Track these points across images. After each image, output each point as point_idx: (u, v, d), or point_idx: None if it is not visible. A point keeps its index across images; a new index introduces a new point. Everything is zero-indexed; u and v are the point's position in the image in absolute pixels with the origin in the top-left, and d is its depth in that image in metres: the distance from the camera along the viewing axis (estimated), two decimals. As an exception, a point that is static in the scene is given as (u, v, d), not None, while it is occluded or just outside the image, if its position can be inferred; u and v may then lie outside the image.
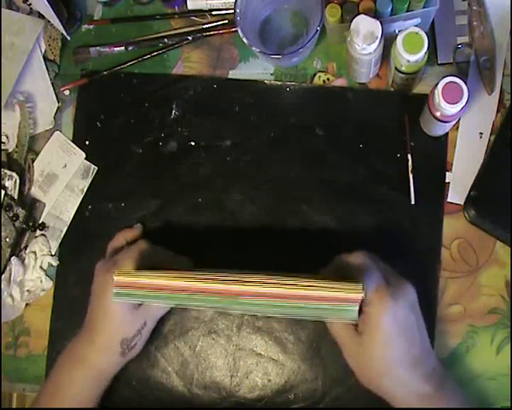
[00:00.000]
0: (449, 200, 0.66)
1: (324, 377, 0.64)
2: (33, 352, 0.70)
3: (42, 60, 0.74)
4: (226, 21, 0.72)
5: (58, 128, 0.73)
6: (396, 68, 0.62)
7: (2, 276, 0.69)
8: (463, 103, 0.56)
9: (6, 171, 0.70)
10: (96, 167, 0.71)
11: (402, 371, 0.53)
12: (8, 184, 0.70)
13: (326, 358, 0.65)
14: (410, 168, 0.66)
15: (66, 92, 0.74)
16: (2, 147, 0.72)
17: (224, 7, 0.72)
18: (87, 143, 0.72)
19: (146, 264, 0.59)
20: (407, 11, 0.63)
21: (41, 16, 0.73)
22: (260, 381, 0.65)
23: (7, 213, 0.69)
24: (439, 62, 0.68)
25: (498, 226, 0.63)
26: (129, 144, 0.71)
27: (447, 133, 0.66)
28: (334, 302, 0.49)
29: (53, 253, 0.71)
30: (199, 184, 0.69)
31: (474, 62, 0.66)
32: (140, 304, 0.59)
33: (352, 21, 0.59)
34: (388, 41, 0.62)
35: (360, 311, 0.52)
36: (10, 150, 0.72)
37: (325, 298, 0.49)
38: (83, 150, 0.72)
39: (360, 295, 0.49)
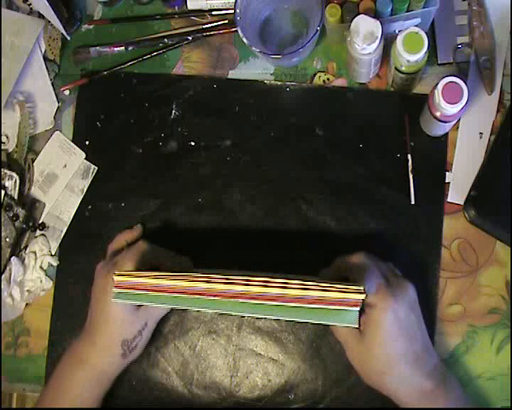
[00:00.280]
0: (449, 200, 0.66)
1: (324, 378, 0.64)
2: (33, 352, 0.70)
3: (42, 60, 0.74)
4: (226, 21, 0.72)
5: (58, 128, 0.73)
6: (396, 68, 0.62)
7: (2, 276, 0.69)
8: (463, 103, 0.56)
9: (6, 171, 0.70)
10: (96, 167, 0.71)
11: (404, 369, 0.53)
12: (8, 184, 0.70)
13: (326, 358, 0.65)
14: (410, 168, 0.66)
15: (66, 92, 0.74)
16: (2, 147, 0.72)
17: (224, 7, 0.72)
18: (87, 143, 0.72)
19: (146, 265, 0.59)
20: (407, 11, 0.63)
21: (41, 16, 0.73)
22: (260, 381, 0.65)
23: (7, 213, 0.69)
24: (439, 62, 0.68)
25: (498, 226, 0.63)
26: (129, 144, 0.71)
27: (447, 133, 0.66)
28: (334, 305, 0.49)
29: (53, 253, 0.71)
30: (199, 184, 0.69)
31: (474, 62, 0.66)
32: (140, 306, 0.59)
33: (351, 21, 0.59)
34: (388, 41, 0.63)
35: (362, 312, 0.52)
36: (10, 150, 0.72)
37: (325, 301, 0.49)
38: (83, 150, 0.72)
39: (361, 297, 0.49)
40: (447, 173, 0.66)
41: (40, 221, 0.71)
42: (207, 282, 0.51)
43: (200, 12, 0.73)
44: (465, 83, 0.56)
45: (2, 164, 0.70)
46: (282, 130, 0.69)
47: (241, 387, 0.65)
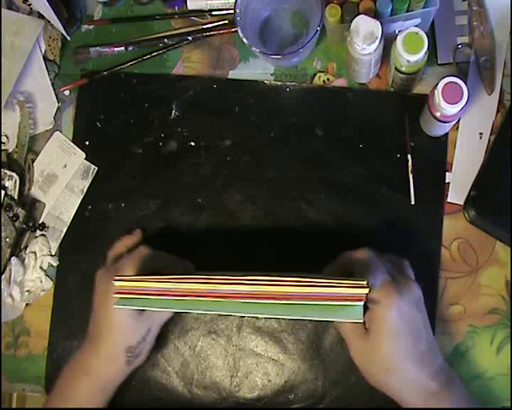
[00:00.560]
0: (449, 200, 0.66)
1: (324, 378, 0.64)
2: (33, 352, 0.70)
3: (42, 60, 0.74)
4: (226, 21, 0.72)
5: (58, 128, 0.73)
6: (396, 68, 0.62)
7: (2, 276, 0.69)
8: (463, 103, 0.56)
9: (6, 171, 0.70)
10: (96, 167, 0.71)
11: (409, 368, 0.53)
12: (8, 184, 0.70)
13: (326, 358, 0.65)
14: (409, 168, 0.66)
15: (66, 92, 0.74)
16: (2, 147, 0.72)
17: (224, 7, 0.72)
18: (87, 143, 0.72)
19: (147, 270, 0.59)
20: (407, 11, 0.63)
21: (41, 16, 0.73)
22: (260, 381, 0.65)
23: (7, 213, 0.69)
24: (439, 62, 0.68)
25: (498, 226, 0.63)
26: (129, 144, 0.71)
27: (447, 133, 0.66)
28: (338, 301, 0.49)
29: (53, 253, 0.71)
30: (199, 184, 0.69)
31: (474, 62, 0.66)
32: (143, 311, 0.59)
33: (352, 21, 0.59)
34: (388, 41, 0.63)
35: (366, 309, 0.52)
36: (10, 150, 0.72)
37: (329, 296, 0.49)
38: (83, 150, 0.72)
39: (365, 292, 0.48)
40: (447, 173, 0.66)
41: (40, 221, 0.71)
42: (210, 283, 0.50)
43: (200, 12, 0.73)
44: (465, 83, 0.56)
45: (2, 164, 0.70)
46: (282, 130, 0.69)
47: (241, 387, 0.65)
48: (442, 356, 0.56)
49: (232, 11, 0.64)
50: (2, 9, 0.73)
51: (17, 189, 0.70)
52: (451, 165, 0.66)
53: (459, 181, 0.66)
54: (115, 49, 0.73)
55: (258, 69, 0.71)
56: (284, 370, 0.65)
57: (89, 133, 0.72)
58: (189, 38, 0.72)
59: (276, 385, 0.65)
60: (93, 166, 0.72)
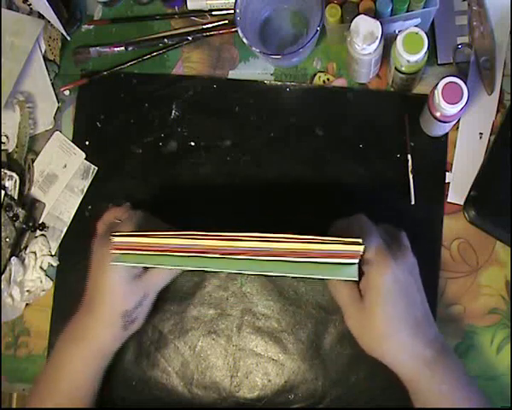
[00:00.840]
0: (449, 200, 0.66)
1: (324, 378, 0.64)
2: (33, 352, 0.70)
3: (42, 60, 0.74)
4: (226, 21, 0.72)
5: (58, 128, 0.73)
6: (396, 68, 0.62)
7: (2, 276, 0.69)
8: (463, 103, 0.56)
9: (6, 171, 0.70)
10: (96, 167, 0.71)
11: (405, 334, 0.53)
12: (8, 184, 0.70)
13: (326, 358, 0.65)
14: (409, 168, 0.66)
15: (66, 92, 0.74)
16: (2, 147, 0.72)
17: (224, 7, 0.72)
18: (87, 143, 0.72)
19: None
20: (407, 11, 0.63)
21: (41, 16, 0.73)
22: (260, 381, 0.65)
23: (7, 213, 0.69)
24: (439, 62, 0.68)
25: (498, 226, 0.63)
26: (129, 144, 0.71)
27: (447, 133, 0.66)
28: (333, 258, 0.49)
29: (53, 253, 0.71)
30: (199, 184, 0.69)
31: (474, 62, 0.67)
32: (140, 275, 0.59)
33: (351, 21, 0.59)
34: (388, 41, 0.63)
35: (362, 274, 0.52)
36: (10, 150, 0.72)
37: (325, 253, 0.49)
38: (83, 150, 0.72)
39: (360, 249, 0.48)
40: (447, 173, 0.66)
41: (40, 221, 0.71)
42: (208, 239, 0.51)
43: (200, 12, 0.73)
44: (465, 83, 0.56)
45: (2, 164, 0.71)
46: (282, 130, 0.69)
47: (241, 387, 0.66)
48: (436, 326, 0.56)
49: (232, 11, 0.64)
50: (2, 9, 0.73)
51: (17, 189, 0.70)
52: (451, 165, 0.66)
53: (459, 181, 0.66)
54: (115, 49, 0.73)
55: (258, 69, 0.71)
56: (284, 370, 0.65)
57: (89, 133, 0.72)
58: (189, 38, 0.72)
59: (276, 385, 0.65)
60: (93, 166, 0.72)
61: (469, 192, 0.65)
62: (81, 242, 0.70)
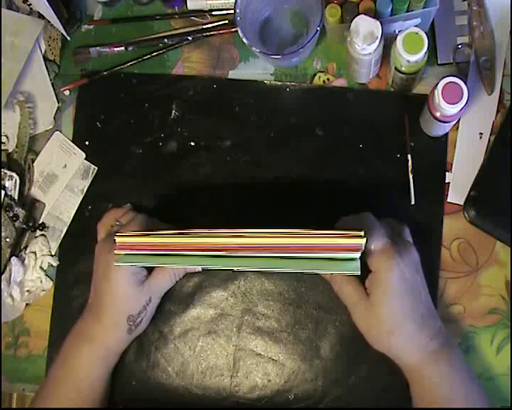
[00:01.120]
0: (449, 200, 0.66)
1: (324, 378, 0.64)
2: (33, 352, 0.70)
3: (42, 60, 0.74)
4: (226, 21, 0.72)
5: (58, 128, 0.73)
6: (396, 68, 0.62)
7: (2, 276, 0.69)
8: (463, 103, 0.56)
9: (6, 171, 0.70)
10: (96, 167, 0.71)
11: (410, 328, 0.54)
12: (8, 184, 0.70)
13: (326, 358, 0.65)
14: (409, 168, 0.66)
15: (66, 92, 0.74)
16: (2, 147, 0.72)
17: (224, 7, 0.72)
18: (87, 143, 0.72)
19: None
20: (407, 11, 0.63)
21: (41, 16, 0.73)
22: (260, 381, 0.65)
23: (7, 213, 0.69)
24: (439, 62, 0.68)
25: (498, 226, 0.63)
26: (129, 144, 0.71)
27: (447, 133, 0.66)
28: (336, 252, 0.50)
29: (53, 253, 0.71)
30: (199, 184, 0.69)
31: (474, 62, 0.67)
32: (144, 280, 0.60)
33: (351, 21, 0.59)
34: (388, 41, 0.63)
35: (368, 272, 0.53)
36: (10, 150, 0.72)
37: (327, 247, 0.50)
38: (83, 150, 0.72)
39: (362, 242, 0.49)
40: (447, 173, 0.66)
41: (40, 221, 0.71)
42: (211, 237, 0.51)
43: (200, 12, 0.73)
44: (465, 83, 0.56)
45: (2, 164, 0.71)
46: (282, 130, 0.69)
47: (241, 387, 0.65)
48: (440, 320, 0.57)
49: (232, 11, 0.64)
50: (2, 9, 0.73)
51: (17, 189, 0.70)
52: (451, 165, 0.66)
53: (459, 181, 0.66)
54: (115, 49, 0.73)
55: (258, 69, 0.71)
56: (284, 370, 0.65)
57: (89, 133, 0.72)
58: (189, 38, 0.72)
59: (276, 385, 0.65)
60: (93, 166, 0.72)
61: (469, 192, 0.64)
62: (81, 242, 0.70)
